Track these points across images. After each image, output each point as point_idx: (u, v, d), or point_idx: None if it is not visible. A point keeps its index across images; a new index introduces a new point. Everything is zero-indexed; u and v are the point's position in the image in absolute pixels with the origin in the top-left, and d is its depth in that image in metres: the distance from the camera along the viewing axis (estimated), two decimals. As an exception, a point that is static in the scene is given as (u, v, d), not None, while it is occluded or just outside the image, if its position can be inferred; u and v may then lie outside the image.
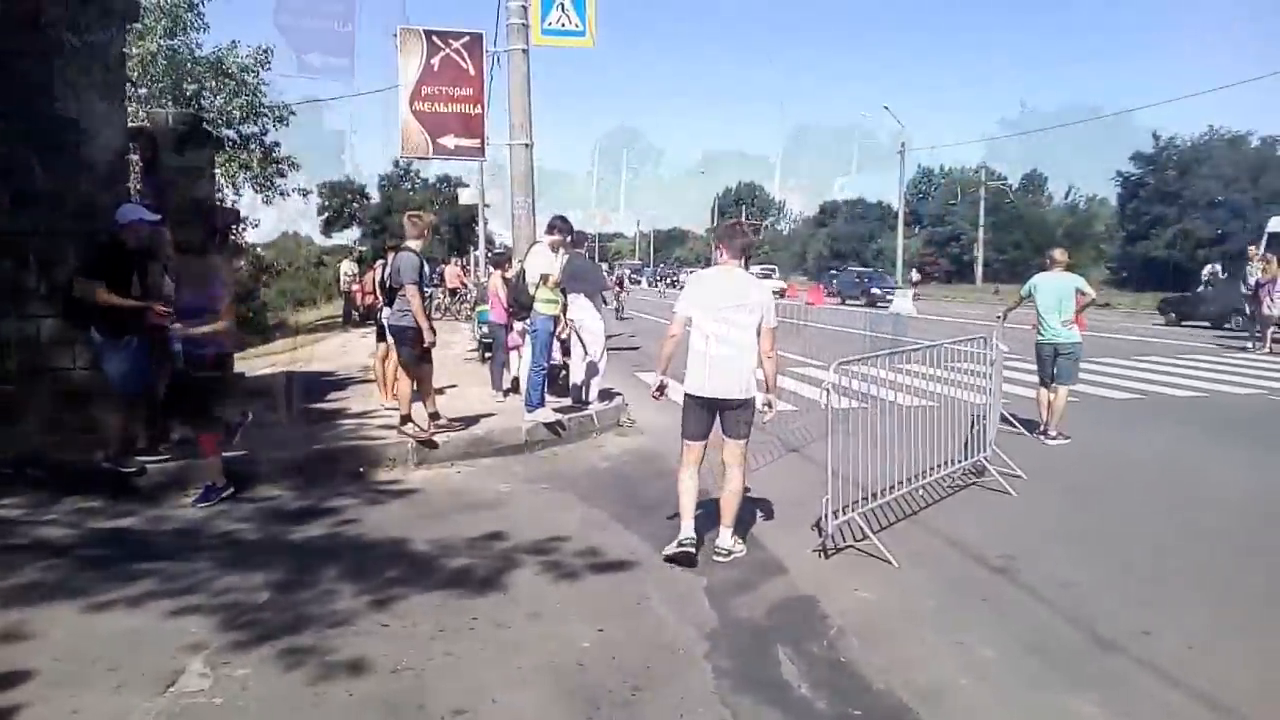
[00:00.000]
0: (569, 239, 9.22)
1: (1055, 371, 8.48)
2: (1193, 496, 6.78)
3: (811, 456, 7.64)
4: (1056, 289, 8.58)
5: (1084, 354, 8.97)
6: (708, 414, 5.27)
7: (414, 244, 7.88)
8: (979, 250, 57.87)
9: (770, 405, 5.26)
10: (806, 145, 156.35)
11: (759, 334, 5.16)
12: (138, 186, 10.21)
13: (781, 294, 49.43)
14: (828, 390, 5.20)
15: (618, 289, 29.94)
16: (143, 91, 18.09)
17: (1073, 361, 8.61)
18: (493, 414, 9.07)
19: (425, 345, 7.73)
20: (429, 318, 7.76)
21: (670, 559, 5.08)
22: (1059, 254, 8.89)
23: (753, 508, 6.28)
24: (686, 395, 5.30)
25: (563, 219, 9.04)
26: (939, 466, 6.44)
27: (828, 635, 4.19)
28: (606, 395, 9.84)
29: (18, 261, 6.77)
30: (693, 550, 5.11)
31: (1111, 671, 3.88)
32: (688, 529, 5.18)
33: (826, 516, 5.24)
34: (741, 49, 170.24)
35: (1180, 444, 8.82)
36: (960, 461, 6.78)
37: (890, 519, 5.90)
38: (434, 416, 7.95)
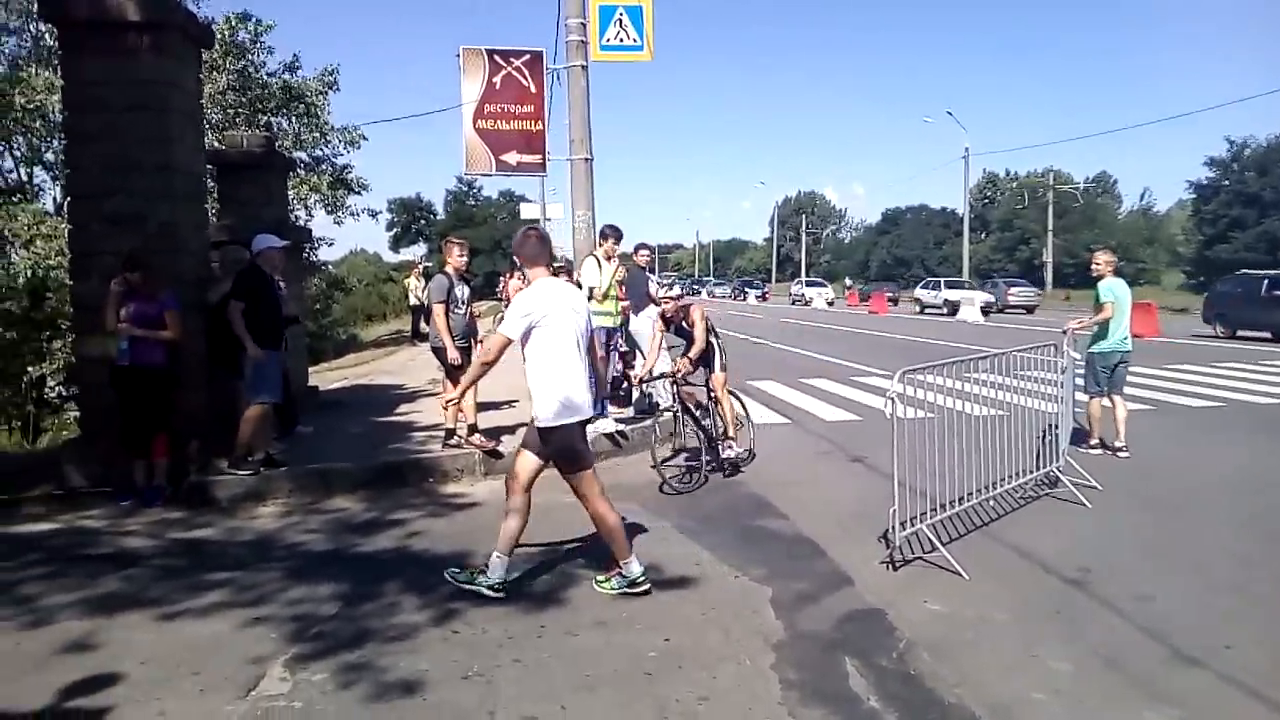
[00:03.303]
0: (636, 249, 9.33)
1: (1114, 381, 8.23)
2: (1275, 506, 6.53)
3: (876, 467, 7.55)
4: (1129, 294, 8.35)
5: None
6: None
7: (448, 267, 8.12)
8: (1048, 255, 56.53)
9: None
10: (868, 152, 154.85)
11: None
12: (215, 209, 10.61)
13: (831, 303, 49.19)
14: (892, 399, 5.13)
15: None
16: (217, 118, 18.74)
17: (1127, 368, 8.37)
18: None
19: (449, 363, 7.94)
20: (452, 336, 7.90)
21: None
22: (1112, 256, 8.52)
23: (813, 519, 6.24)
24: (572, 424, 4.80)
25: (613, 228, 9.11)
26: (1010, 477, 6.31)
27: (897, 648, 4.13)
28: (670, 406, 9.84)
29: (105, 280, 7.05)
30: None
31: (1192, 687, 3.75)
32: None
33: (894, 528, 5.17)
34: (800, 55, 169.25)
35: (1262, 453, 8.48)
36: (1032, 472, 6.62)
37: (960, 531, 5.80)
38: (470, 430, 8.05)
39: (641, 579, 4.79)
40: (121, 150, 7.25)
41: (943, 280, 43.30)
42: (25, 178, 19.65)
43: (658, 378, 8.25)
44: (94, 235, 7.38)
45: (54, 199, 19.35)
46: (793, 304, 53.32)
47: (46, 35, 18.19)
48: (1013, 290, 40.01)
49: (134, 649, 4.20)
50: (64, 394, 17.90)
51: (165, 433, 6.97)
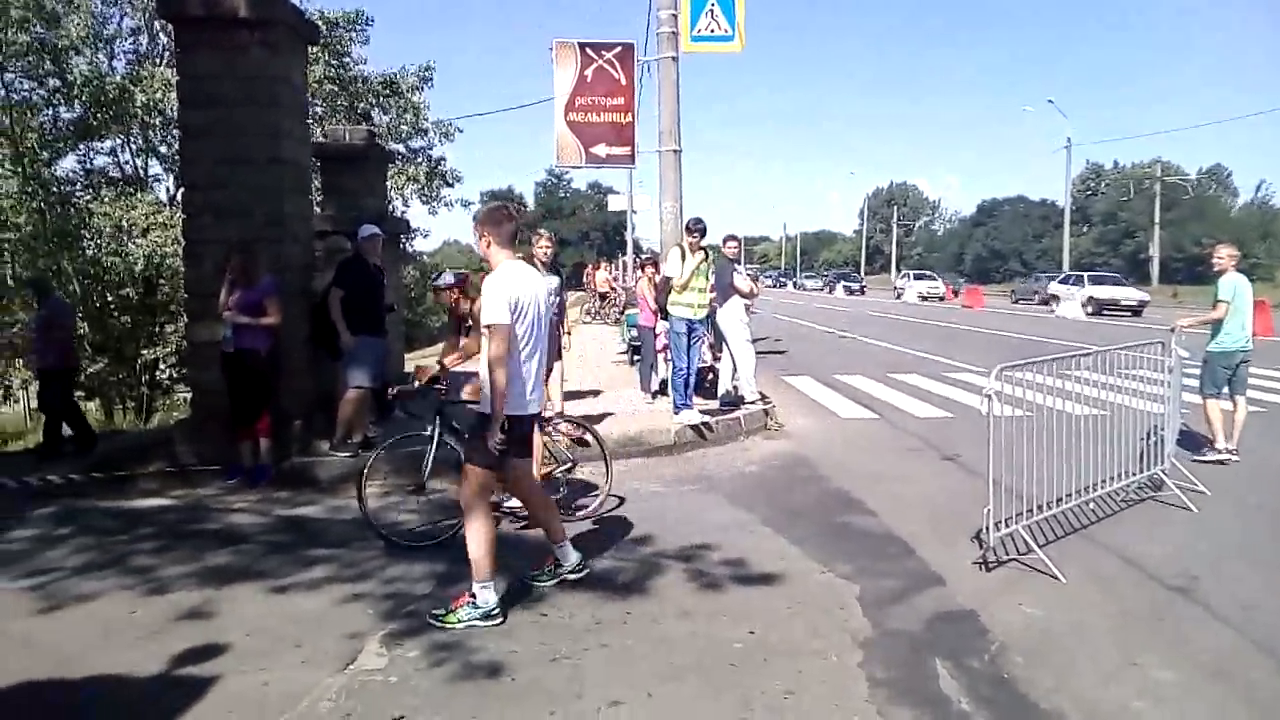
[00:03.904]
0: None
1: (1235, 382, 7.81)
2: None
3: (968, 465, 7.38)
4: (1250, 293, 7.90)
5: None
6: None
7: (535, 257, 8.21)
8: (1155, 249, 54.13)
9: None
10: (964, 141, 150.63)
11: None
12: (319, 200, 10.98)
13: (941, 298, 47.22)
14: (989, 397, 5.00)
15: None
16: (318, 110, 19.38)
17: (1248, 368, 7.94)
18: (637, 415, 9.21)
19: None
20: None
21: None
22: (1234, 250, 8.03)
23: (902, 517, 6.14)
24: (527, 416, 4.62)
25: (697, 220, 9.09)
26: (1111, 479, 6.08)
27: (989, 650, 4.04)
28: (755, 399, 9.80)
29: (216, 268, 7.39)
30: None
31: (1307, 703, 3.57)
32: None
33: (988, 528, 5.05)
34: (892, 41, 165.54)
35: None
36: (1135, 475, 6.38)
37: (1057, 533, 5.63)
38: (559, 417, 8.09)
39: (580, 564, 4.77)
40: (232, 143, 7.57)
41: (1086, 275, 36.72)
42: (141, 170, 20.68)
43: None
44: (205, 225, 7.72)
45: (167, 190, 20.34)
46: (897, 298, 50.06)
47: (162, 34, 19.11)
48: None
49: (241, 621, 4.42)
50: (175, 376, 18.85)
51: (269, 414, 7.28)
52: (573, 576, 4.76)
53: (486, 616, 4.31)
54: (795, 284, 67.96)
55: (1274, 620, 4.33)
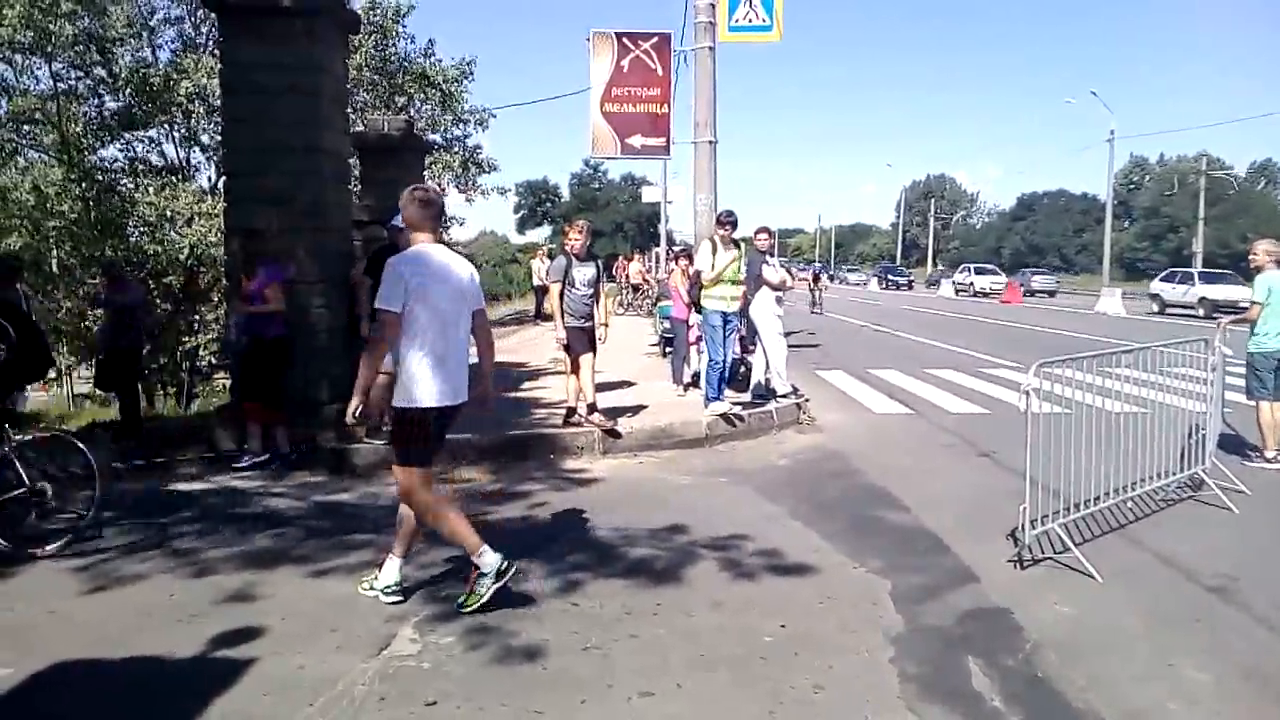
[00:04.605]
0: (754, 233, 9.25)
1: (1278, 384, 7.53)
2: None
3: (1003, 462, 7.31)
4: None
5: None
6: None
7: (568, 248, 8.24)
8: (1198, 244, 53.03)
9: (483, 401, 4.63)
10: (1004, 133, 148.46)
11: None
12: (357, 189, 11.10)
13: (978, 291, 46.10)
14: (1027, 394, 4.95)
15: (814, 284, 29.24)
16: (359, 99, 19.54)
17: None
18: (671, 407, 9.22)
19: (558, 341, 8.07)
20: (564, 315, 7.95)
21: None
22: (1274, 246, 7.65)
23: (935, 512, 6.10)
24: (433, 409, 4.32)
25: (728, 213, 9.05)
26: (1150, 478, 6.00)
27: (1023, 649, 4.00)
28: (787, 392, 9.77)
29: (251, 257, 7.51)
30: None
31: (1347, 709, 3.51)
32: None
33: (1024, 526, 5.00)
34: (930, 31, 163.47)
35: None
36: (1175, 474, 6.27)
37: (1094, 532, 5.56)
38: (590, 409, 8.13)
39: (505, 565, 4.30)
40: (274, 132, 7.68)
41: (1197, 273, 32.38)
42: (183, 159, 20.99)
43: None
44: (247, 212, 7.84)
45: (209, 179, 20.62)
46: (956, 293, 47.46)
47: (205, 24, 19.35)
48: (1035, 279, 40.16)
49: (277, 605, 4.49)
50: (214, 363, 19.14)
51: (277, 401, 7.38)
52: (502, 582, 4.28)
53: (498, 575, 4.26)
54: (833, 277, 64.07)
55: (1316, 624, 4.25)
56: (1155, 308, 30.36)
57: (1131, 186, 73.35)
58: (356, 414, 4.33)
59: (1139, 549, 5.35)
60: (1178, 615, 4.41)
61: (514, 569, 4.36)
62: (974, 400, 11.01)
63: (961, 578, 4.91)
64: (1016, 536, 5.15)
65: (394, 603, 4.43)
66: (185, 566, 5.04)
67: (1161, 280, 32.31)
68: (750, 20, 11.83)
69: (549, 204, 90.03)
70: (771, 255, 10.48)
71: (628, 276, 29.11)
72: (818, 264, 49.17)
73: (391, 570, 4.50)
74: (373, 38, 20.31)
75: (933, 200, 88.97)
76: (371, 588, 4.51)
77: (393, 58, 21.57)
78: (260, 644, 4.02)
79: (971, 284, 47.29)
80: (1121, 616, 4.38)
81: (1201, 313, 27.22)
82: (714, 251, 8.67)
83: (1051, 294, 44.90)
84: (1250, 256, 7.82)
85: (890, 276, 57.81)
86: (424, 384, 4.26)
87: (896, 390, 11.83)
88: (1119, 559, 5.12)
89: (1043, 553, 5.15)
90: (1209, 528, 5.81)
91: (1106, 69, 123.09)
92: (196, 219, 17.82)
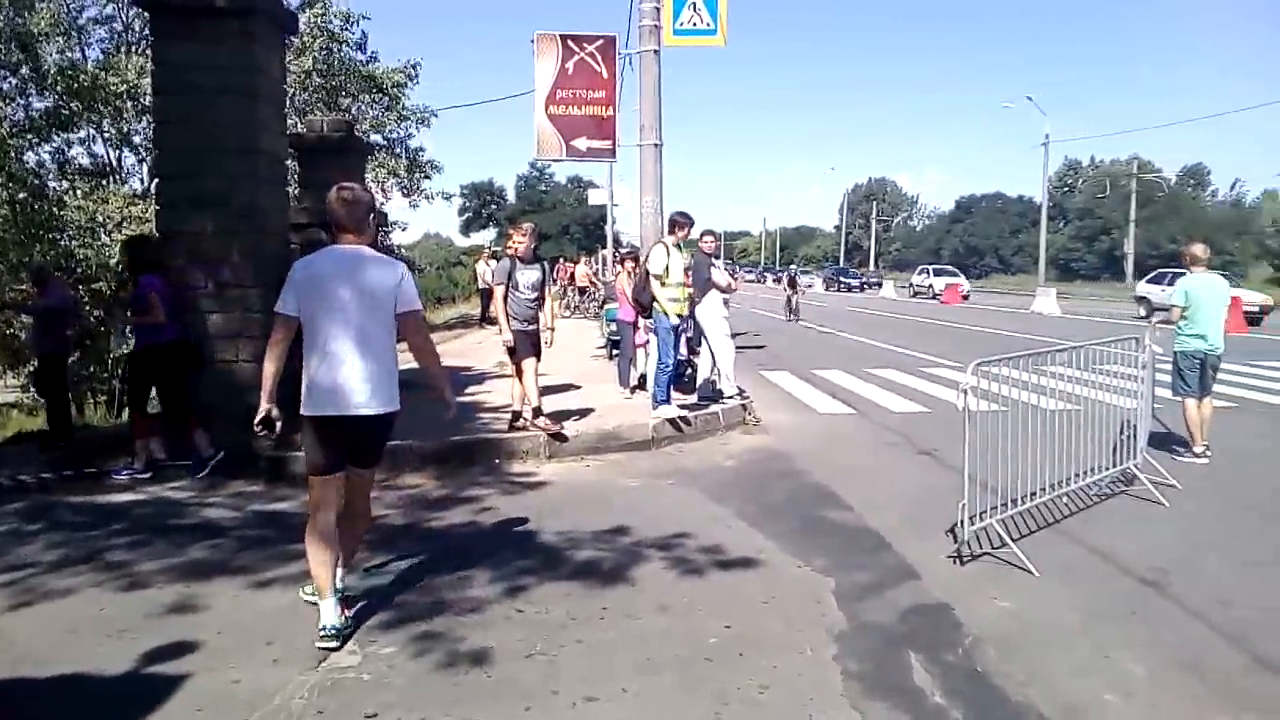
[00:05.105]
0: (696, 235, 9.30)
1: (1205, 383, 7.75)
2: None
3: (945, 460, 7.43)
4: (1220, 294, 7.84)
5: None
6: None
7: (510, 252, 8.26)
8: (1129, 246, 54.70)
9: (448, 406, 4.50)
10: (943, 137, 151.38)
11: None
12: (295, 191, 10.88)
13: (966, 296, 45.41)
14: (964, 392, 5.03)
15: (790, 290, 27.32)
16: (301, 100, 19.19)
17: (1216, 372, 7.93)
18: (615, 410, 9.20)
19: (504, 344, 8.10)
20: (509, 319, 7.94)
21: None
22: (1202, 251, 7.95)
23: (877, 511, 6.17)
24: (316, 417, 4.11)
25: (683, 214, 9.05)
26: (1085, 474, 6.15)
27: (963, 644, 4.06)
28: (734, 394, 9.82)
29: (190, 260, 7.32)
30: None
31: (1273, 694, 3.62)
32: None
33: (962, 522, 5.08)
34: (873, 37, 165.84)
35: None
36: (1108, 469, 6.44)
37: (1031, 527, 5.68)
38: (535, 412, 8.05)
39: (339, 627, 4.03)
40: (208, 133, 7.48)
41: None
42: (114, 161, 20.39)
43: None
44: (180, 216, 7.63)
45: (141, 181, 20.06)
46: (913, 296, 47.16)
47: (137, 22, 18.84)
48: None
49: (213, 617, 4.37)
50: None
51: (181, 410, 7.29)
52: (333, 644, 3.97)
53: (333, 634, 3.98)
54: (777, 279, 64.39)
55: (1245, 614, 4.39)
56: (1142, 311, 26.05)
57: (1065, 189, 75.34)
58: (259, 420, 4.17)
59: (1075, 544, 5.48)
60: (1113, 609, 4.51)
61: (343, 640, 4.01)
62: (915, 399, 11.18)
63: (903, 575, 4.97)
64: (956, 533, 5.24)
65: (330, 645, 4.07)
66: (116, 580, 4.87)
67: (1149, 282, 29.10)
68: (695, 24, 11.87)
69: (494, 206, 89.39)
70: (717, 258, 10.53)
71: (572, 277, 28.95)
72: (793, 267, 48.54)
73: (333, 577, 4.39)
74: (318, 41, 19.97)
75: (875, 203, 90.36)
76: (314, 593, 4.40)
77: (336, 62, 21.24)
78: (194, 658, 3.90)
79: (930, 285, 46.89)
80: (1059, 611, 4.47)
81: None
82: (668, 254, 8.67)
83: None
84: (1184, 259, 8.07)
85: (842, 279, 57.06)
86: (309, 391, 4.08)
87: (840, 390, 11.97)
88: (1056, 554, 5.24)
89: (981, 548, 5.24)
90: (1142, 522, 5.97)
91: (1043, 75, 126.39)
92: (127, 223, 17.32)
